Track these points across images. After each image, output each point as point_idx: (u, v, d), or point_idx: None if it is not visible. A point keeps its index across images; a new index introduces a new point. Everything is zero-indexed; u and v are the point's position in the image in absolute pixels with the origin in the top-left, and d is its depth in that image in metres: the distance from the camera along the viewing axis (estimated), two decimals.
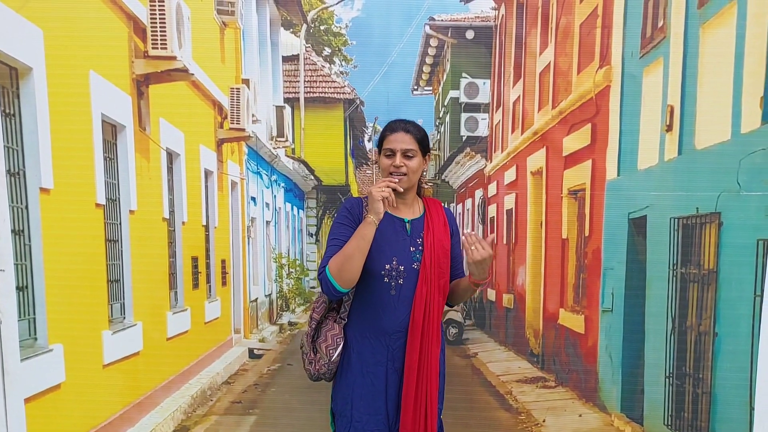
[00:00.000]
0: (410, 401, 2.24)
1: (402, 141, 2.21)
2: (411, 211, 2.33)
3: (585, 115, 4.20)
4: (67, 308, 3.45)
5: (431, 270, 2.24)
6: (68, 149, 3.44)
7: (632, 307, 4.01)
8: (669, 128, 3.76)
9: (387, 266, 2.21)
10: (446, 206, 2.45)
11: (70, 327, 3.46)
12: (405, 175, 2.21)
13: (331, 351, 2.29)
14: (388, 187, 2.13)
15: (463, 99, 4.77)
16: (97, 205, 3.69)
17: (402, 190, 2.18)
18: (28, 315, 3.28)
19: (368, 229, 2.12)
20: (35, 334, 3.31)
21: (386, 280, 2.22)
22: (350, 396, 2.28)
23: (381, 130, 2.31)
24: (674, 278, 3.83)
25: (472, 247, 2.13)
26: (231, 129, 4.75)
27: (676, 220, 3.78)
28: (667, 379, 3.89)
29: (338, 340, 2.29)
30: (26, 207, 3.24)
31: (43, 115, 3.26)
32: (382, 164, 2.25)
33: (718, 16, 3.49)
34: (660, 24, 3.81)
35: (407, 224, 2.30)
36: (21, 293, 3.22)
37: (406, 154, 2.21)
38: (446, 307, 2.47)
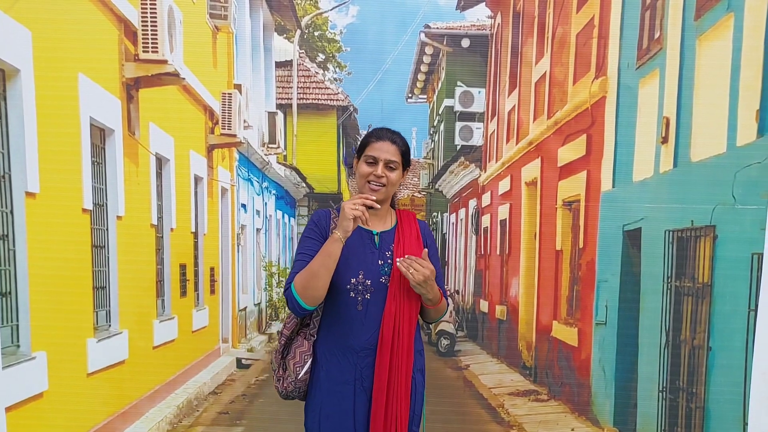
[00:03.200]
0: (379, 424, 2.15)
1: (387, 151, 2.13)
2: (382, 222, 2.24)
3: (580, 126, 4.19)
4: (52, 315, 3.39)
5: (401, 285, 2.13)
6: (55, 153, 3.39)
7: (626, 320, 3.99)
8: (665, 140, 3.75)
9: (353, 280, 2.13)
10: (420, 219, 2.38)
11: (54, 334, 3.41)
12: (383, 186, 2.13)
13: (298, 369, 2.22)
14: (363, 204, 2.03)
15: (458, 108, 4.75)
16: (84, 210, 3.63)
17: (379, 207, 2.11)
18: (11, 321, 3.23)
19: (334, 246, 2.02)
20: (18, 341, 3.26)
21: (352, 294, 2.13)
22: (318, 415, 2.21)
23: (363, 137, 2.24)
24: (668, 291, 3.81)
25: (410, 271, 2.04)
26: (222, 135, 4.71)
27: (670, 232, 3.76)
28: (660, 393, 3.87)
29: (306, 357, 2.22)
30: (11, 211, 3.19)
31: (30, 118, 3.21)
32: (360, 171, 2.15)
33: (715, 29, 3.49)
34: (656, 35, 3.81)
35: (376, 236, 2.21)
36: (4, 299, 3.19)
37: (388, 165, 2.13)
38: (440, 319, 2.39)
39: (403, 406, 2.17)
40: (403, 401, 2.18)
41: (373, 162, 2.12)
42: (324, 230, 2.16)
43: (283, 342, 2.26)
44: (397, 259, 2.10)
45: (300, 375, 2.21)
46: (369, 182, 2.12)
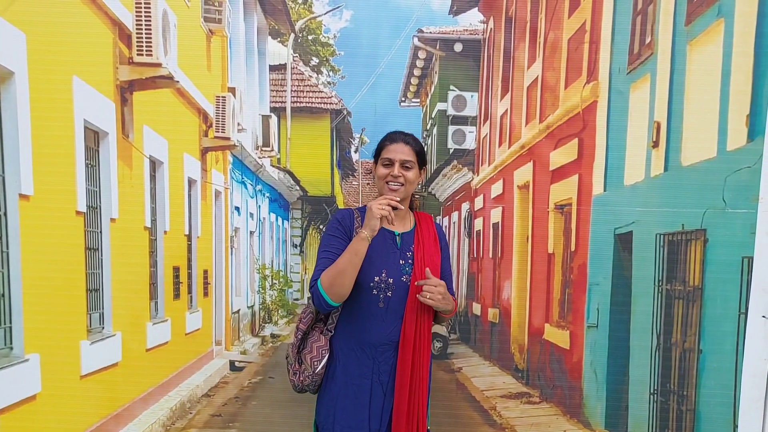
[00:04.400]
0: (402, 418, 2.23)
1: (401, 152, 2.24)
2: (402, 224, 2.34)
3: (572, 130, 4.21)
4: (45, 317, 3.39)
5: (417, 279, 2.25)
6: (49, 155, 3.40)
7: (617, 323, 4.01)
8: (655, 144, 3.78)
9: (376, 278, 2.22)
10: (437, 222, 2.49)
11: (47, 336, 3.41)
12: (402, 185, 2.24)
13: (315, 363, 2.28)
14: (389, 204, 2.13)
15: (451, 111, 4.77)
16: (78, 212, 3.63)
17: (402, 208, 2.20)
18: (4, 324, 3.23)
19: (361, 245, 2.11)
20: (11, 343, 3.26)
21: (375, 292, 2.22)
22: (333, 408, 2.28)
23: (378, 140, 2.35)
24: (659, 294, 3.83)
25: (428, 297, 2.16)
26: (216, 137, 4.71)
27: (661, 236, 3.79)
28: (651, 396, 3.89)
29: (323, 351, 2.29)
30: (5, 213, 3.20)
31: (24, 121, 3.21)
32: (379, 173, 2.27)
33: (705, 34, 3.52)
34: (647, 40, 3.84)
35: (397, 237, 2.31)
36: None
37: (404, 165, 2.24)
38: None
39: (423, 399, 2.29)
40: (424, 395, 2.29)
41: (389, 164, 2.24)
42: (348, 229, 2.26)
43: (299, 337, 2.33)
44: (418, 296, 2.18)
45: (317, 369, 2.28)
46: (387, 183, 2.24)
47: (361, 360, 2.26)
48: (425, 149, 2.43)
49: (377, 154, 2.31)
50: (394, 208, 2.15)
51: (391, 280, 2.23)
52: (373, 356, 2.25)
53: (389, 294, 2.23)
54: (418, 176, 2.30)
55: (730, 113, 3.41)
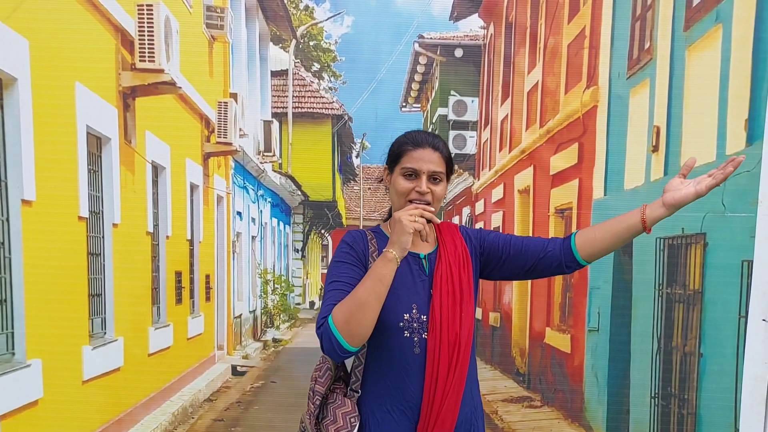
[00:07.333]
0: None
1: (430, 160, 1.73)
2: (427, 244, 1.83)
3: (572, 135, 4.22)
4: (47, 323, 3.39)
5: (442, 323, 1.72)
6: (52, 161, 3.41)
7: (618, 326, 4.01)
8: (655, 149, 3.79)
9: (406, 316, 1.71)
10: (461, 225, 1.97)
11: (49, 342, 3.41)
12: (428, 203, 1.72)
13: None
14: (422, 216, 1.63)
15: (452, 116, 4.79)
16: (80, 218, 3.64)
17: (438, 221, 1.71)
18: (6, 329, 3.23)
19: (388, 268, 1.60)
20: (13, 348, 3.26)
21: (406, 334, 1.71)
22: None
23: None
24: (660, 298, 3.84)
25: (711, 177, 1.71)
26: (218, 143, 4.72)
27: (662, 240, 3.79)
28: (652, 400, 3.89)
29: (352, 420, 1.75)
30: (7, 219, 3.20)
31: (27, 126, 3.23)
32: (398, 187, 1.75)
33: (704, 39, 3.54)
34: (647, 46, 3.85)
35: (424, 260, 1.80)
36: None
37: (432, 177, 1.74)
38: None
39: None
40: None
41: (413, 175, 1.73)
42: (361, 254, 1.76)
43: (317, 403, 1.78)
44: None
45: None
46: (410, 201, 1.72)
47: (402, 425, 1.74)
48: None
49: (394, 159, 1.78)
50: (428, 221, 1.66)
51: (424, 318, 1.72)
52: (415, 419, 1.73)
53: (424, 336, 1.71)
54: (445, 191, 1.80)
55: (729, 118, 3.42)
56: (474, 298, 1.81)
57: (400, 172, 1.74)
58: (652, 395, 3.89)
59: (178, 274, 4.66)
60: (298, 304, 5.51)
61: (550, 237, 1.87)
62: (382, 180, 1.87)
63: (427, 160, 1.72)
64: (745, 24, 3.37)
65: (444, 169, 1.76)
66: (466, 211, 5.23)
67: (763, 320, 3.34)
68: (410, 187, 1.72)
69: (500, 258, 1.85)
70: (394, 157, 1.77)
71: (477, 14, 4.67)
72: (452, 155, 1.83)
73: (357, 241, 1.78)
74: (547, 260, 1.81)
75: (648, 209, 1.76)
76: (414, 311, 1.72)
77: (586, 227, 1.86)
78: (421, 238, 1.71)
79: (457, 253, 1.80)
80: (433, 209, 1.69)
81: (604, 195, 4.07)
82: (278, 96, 5.13)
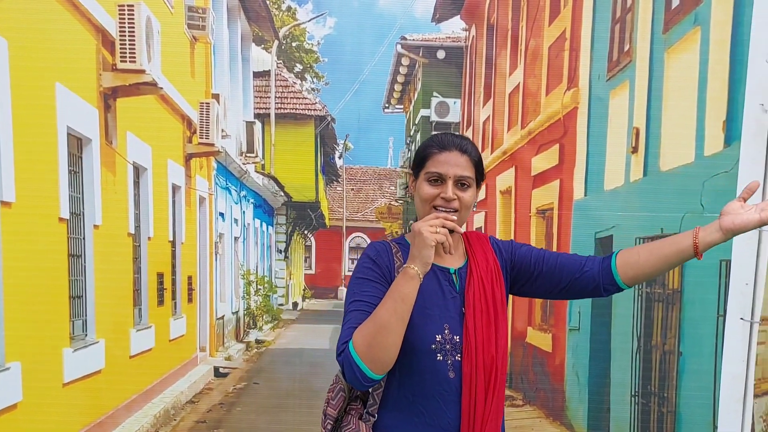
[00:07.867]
0: None
1: (457, 164, 1.59)
2: (456, 255, 1.68)
3: (553, 136, 4.26)
4: (27, 325, 3.36)
5: (477, 344, 1.58)
6: (32, 162, 3.38)
7: (599, 326, 4.05)
8: (635, 150, 3.83)
9: (438, 338, 1.57)
10: (491, 236, 1.83)
11: (29, 344, 3.37)
12: (456, 211, 1.58)
13: None
14: (444, 226, 1.48)
15: (434, 118, 4.81)
16: (61, 219, 3.62)
17: (462, 231, 1.60)
18: None
19: (409, 286, 1.45)
20: None
21: (439, 357, 1.56)
22: None
23: (420, 146, 1.70)
24: (640, 298, 3.88)
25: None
26: (200, 144, 4.71)
27: (641, 240, 3.83)
28: (632, 398, 3.93)
29: None
30: None
31: (6, 127, 3.19)
32: (422, 193, 1.61)
33: (683, 42, 3.58)
34: (626, 48, 3.90)
35: (454, 275, 1.66)
36: None
37: (460, 182, 1.59)
38: None
39: None
40: None
41: (439, 180, 1.59)
42: (386, 268, 1.61)
43: (328, 428, 1.65)
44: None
45: None
46: (435, 208, 1.58)
47: None
48: (401, 156, 1.73)
49: (419, 164, 1.64)
50: (451, 231, 1.50)
51: (457, 338, 1.58)
52: None
53: (458, 358, 1.57)
54: (475, 197, 1.64)
55: (707, 119, 3.47)
56: (505, 307, 1.68)
57: (425, 177, 1.61)
58: (633, 393, 3.93)
59: (160, 275, 4.64)
60: (281, 305, 5.50)
61: (587, 255, 1.72)
62: (407, 187, 1.73)
63: (453, 163, 1.58)
64: (722, 27, 3.42)
65: (473, 174, 1.61)
66: None
67: (741, 319, 3.38)
68: (435, 193, 1.58)
69: (531, 274, 1.72)
70: (419, 161, 1.65)
71: (459, 16, 4.70)
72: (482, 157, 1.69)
73: (380, 255, 1.63)
74: (584, 281, 1.68)
75: (702, 233, 1.58)
76: (446, 332, 1.58)
77: (628, 248, 1.71)
78: (444, 251, 1.51)
79: (489, 267, 1.67)
80: (455, 218, 1.54)
81: (585, 195, 4.10)
82: (260, 97, 5.12)
